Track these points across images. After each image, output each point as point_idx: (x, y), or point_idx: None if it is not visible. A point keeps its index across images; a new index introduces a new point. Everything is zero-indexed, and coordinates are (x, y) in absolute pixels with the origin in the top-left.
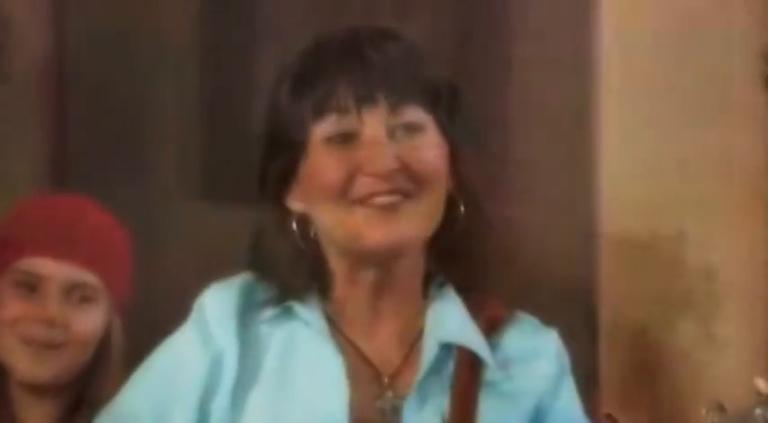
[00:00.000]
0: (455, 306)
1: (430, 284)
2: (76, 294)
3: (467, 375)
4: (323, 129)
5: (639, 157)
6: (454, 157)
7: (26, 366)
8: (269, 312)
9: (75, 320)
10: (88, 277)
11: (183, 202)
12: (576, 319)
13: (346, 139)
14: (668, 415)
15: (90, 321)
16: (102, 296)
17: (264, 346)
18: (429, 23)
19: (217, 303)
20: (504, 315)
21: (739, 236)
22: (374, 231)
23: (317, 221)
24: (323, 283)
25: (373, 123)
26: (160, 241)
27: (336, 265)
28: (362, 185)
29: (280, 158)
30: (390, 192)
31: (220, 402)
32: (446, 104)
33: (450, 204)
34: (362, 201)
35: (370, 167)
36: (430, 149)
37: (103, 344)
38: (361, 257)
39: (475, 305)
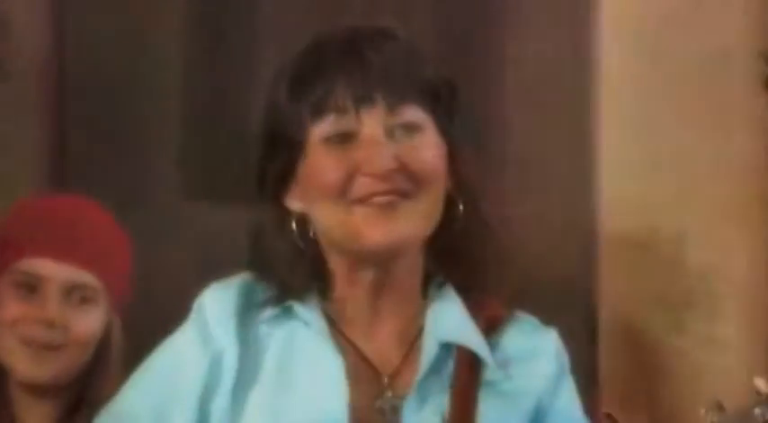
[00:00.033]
0: (455, 306)
1: (429, 284)
2: (76, 295)
3: (466, 375)
4: (321, 129)
5: (639, 157)
6: (453, 156)
7: (26, 367)
8: (268, 312)
9: (75, 321)
10: (88, 278)
11: (183, 202)
12: (576, 319)
13: (345, 139)
14: (668, 415)
15: (90, 322)
16: (102, 297)
17: (264, 346)
18: (429, 23)
19: (216, 303)
20: (504, 315)
21: (739, 236)
22: (373, 231)
23: (316, 221)
24: (322, 282)
25: (372, 123)
26: (160, 241)
27: (336, 264)
28: (361, 185)
29: (278, 158)
30: (389, 191)
31: (220, 402)
32: (445, 104)
33: (449, 204)
34: (361, 200)
35: (368, 167)
36: (428, 149)
37: (103, 344)
38: (360, 257)
39: (474, 305)
